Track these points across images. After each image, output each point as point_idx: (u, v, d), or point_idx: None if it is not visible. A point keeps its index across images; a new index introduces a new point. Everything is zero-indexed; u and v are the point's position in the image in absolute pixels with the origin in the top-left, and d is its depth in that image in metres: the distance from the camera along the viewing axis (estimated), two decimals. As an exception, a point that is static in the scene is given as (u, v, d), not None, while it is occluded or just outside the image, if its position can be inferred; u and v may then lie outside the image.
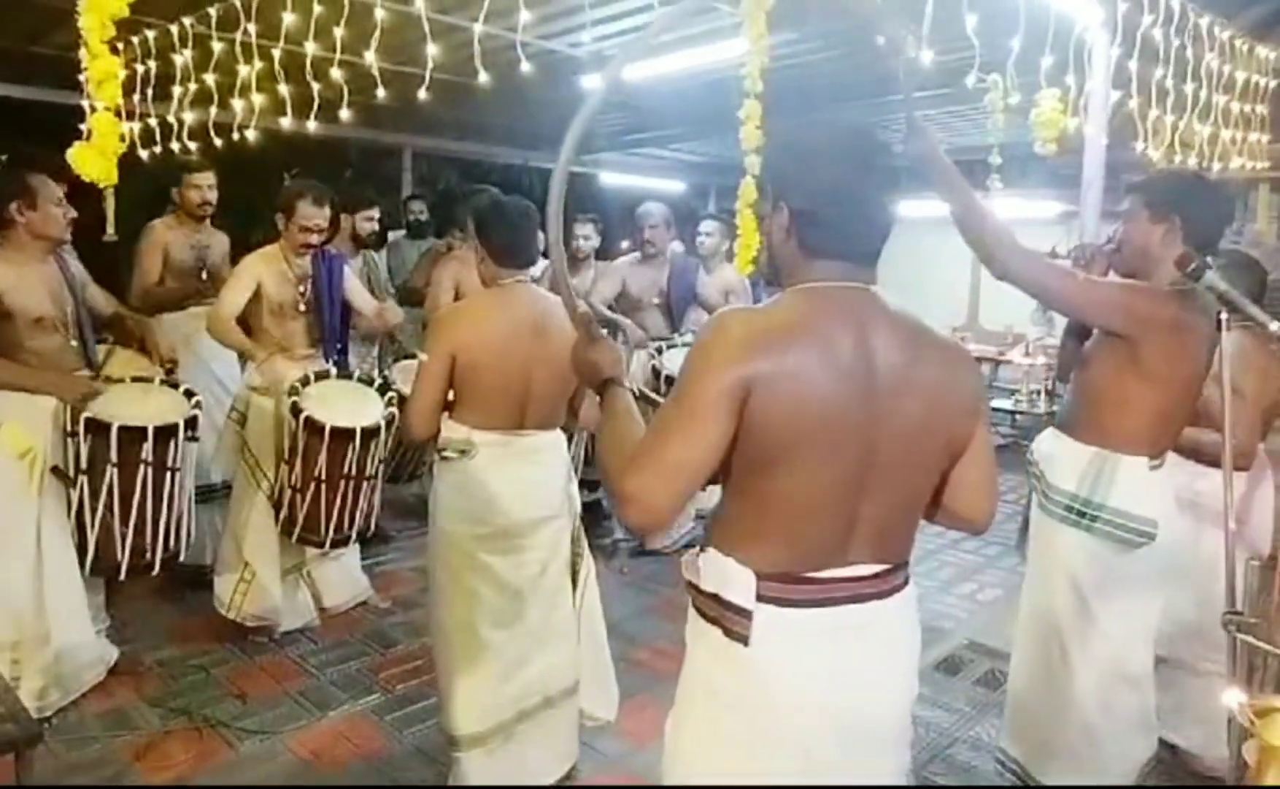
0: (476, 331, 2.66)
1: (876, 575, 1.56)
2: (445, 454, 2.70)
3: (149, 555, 3.32)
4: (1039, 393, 7.90)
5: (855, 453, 1.47)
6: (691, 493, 1.46)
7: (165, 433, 3.28)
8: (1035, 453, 2.72)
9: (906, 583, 1.62)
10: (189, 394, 3.50)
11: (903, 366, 1.48)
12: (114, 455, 3.19)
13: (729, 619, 1.52)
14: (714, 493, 1.59)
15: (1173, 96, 3.48)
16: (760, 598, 1.49)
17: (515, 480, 2.70)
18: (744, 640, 1.50)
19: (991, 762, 2.98)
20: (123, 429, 3.18)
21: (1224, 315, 1.94)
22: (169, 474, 3.32)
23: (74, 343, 3.37)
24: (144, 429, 3.22)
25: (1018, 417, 8.36)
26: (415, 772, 3.08)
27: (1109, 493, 2.46)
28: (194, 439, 3.44)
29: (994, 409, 8.81)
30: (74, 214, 3.40)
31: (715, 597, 1.54)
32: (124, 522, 3.24)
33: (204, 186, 4.39)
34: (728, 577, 1.52)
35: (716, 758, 1.57)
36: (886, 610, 1.58)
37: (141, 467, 3.24)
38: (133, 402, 3.34)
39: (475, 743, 2.74)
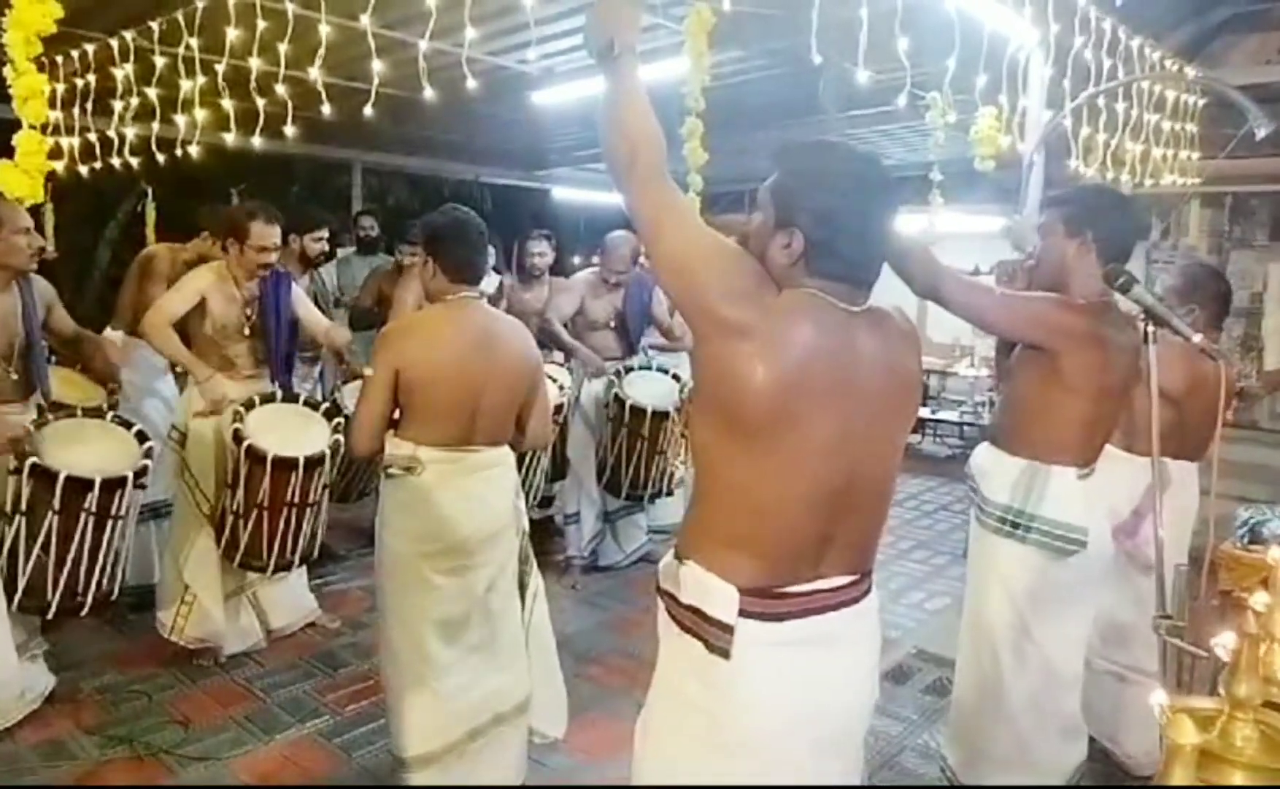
0: (423, 347, 2.64)
1: (847, 585, 1.61)
2: (390, 471, 2.67)
3: (80, 597, 3.20)
4: (985, 405, 8.06)
5: (836, 460, 1.52)
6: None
7: (112, 484, 3.17)
8: (971, 466, 2.78)
9: (870, 590, 1.67)
10: (141, 436, 3.39)
11: (884, 375, 1.55)
12: (57, 503, 3.06)
13: (710, 633, 1.54)
14: (667, 505, 1.61)
15: (1105, 115, 3.59)
16: (741, 613, 1.52)
17: (463, 497, 2.69)
18: (725, 654, 1.52)
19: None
20: (69, 479, 3.07)
21: (1150, 328, 2.01)
22: (112, 521, 3.21)
23: (14, 376, 3.30)
24: (91, 481, 3.11)
25: (965, 428, 8.52)
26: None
27: (1040, 504, 2.52)
28: (142, 487, 3.33)
29: (941, 421, 8.98)
30: (41, 243, 3.32)
31: (695, 610, 1.56)
32: (59, 565, 3.11)
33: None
34: (709, 591, 1.54)
35: (690, 762, 1.60)
36: (854, 617, 1.62)
37: (83, 515, 3.12)
38: (81, 441, 3.24)
39: (426, 762, 2.71)
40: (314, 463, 3.56)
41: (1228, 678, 1.14)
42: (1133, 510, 3.01)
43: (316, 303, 4.76)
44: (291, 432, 3.62)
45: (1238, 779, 1.11)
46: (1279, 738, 1.18)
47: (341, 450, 3.75)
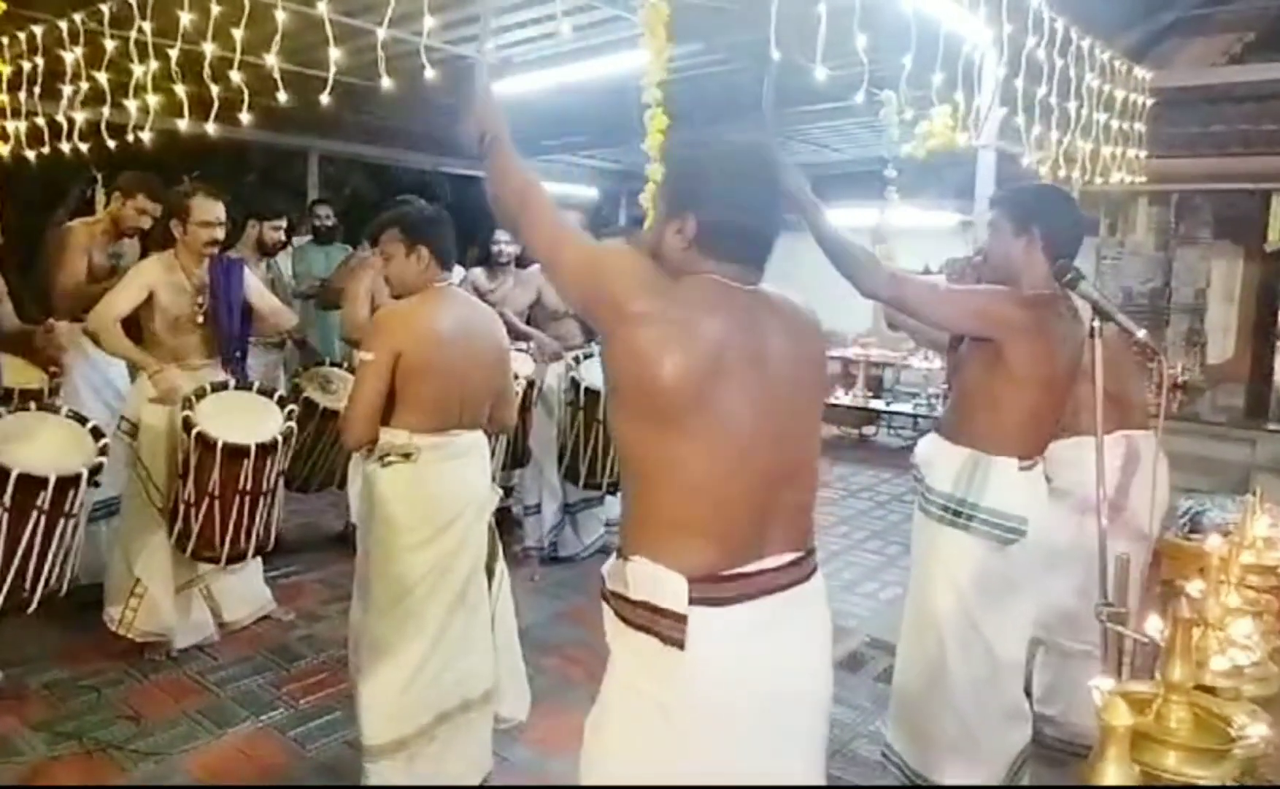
0: (423, 332, 2.68)
1: (792, 564, 1.63)
2: (389, 460, 2.67)
3: (28, 593, 3.11)
4: (939, 397, 8.19)
5: (759, 433, 1.56)
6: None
7: (66, 482, 3.10)
8: (916, 456, 2.84)
9: (816, 569, 1.70)
10: (96, 433, 3.32)
11: (791, 348, 1.62)
12: (8, 500, 2.99)
13: (663, 625, 1.54)
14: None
15: (1056, 114, 3.65)
16: (692, 601, 1.53)
17: (454, 480, 2.74)
18: (680, 645, 1.53)
19: (891, 756, 3.08)
20: (22, 476, 2.99)
21: (1096, 322, 2.06)
22: (64, 518, 3.14)
23: None
24: (45, 479, 3.04)
25: (919, 420, 8.66)
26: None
27: (982, 493, 2.58)
28: (96, 485, 3.26)
29: (895, 412, 9.11)
30: None
31: (646, 604, 1.56)
32: (7, 561, 3.03)
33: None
34: (659, 582, 1.55)
35: (645, 760, 1.60)
36: (804, 596, 1.65)
37: (35, 512, 3.05)
38: (35, 435, 3.17)
39: (398, 748, 2.71)
40: (266, 450, 3.52)
41: (1163, 662, 1.19)
42: (1115, 487, 3.07)
43: (274, 290, 4.72)
44: (244, 419, 3.58)
45: (1171, 760, 1.16)
46: (1211, 719, 1.22)
47: (294, 437, 3.73)
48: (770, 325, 1.61)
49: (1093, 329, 2.05)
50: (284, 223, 5.23)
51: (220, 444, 3.42)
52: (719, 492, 1.54)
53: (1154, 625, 1.32)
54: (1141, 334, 2.08)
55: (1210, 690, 1.32)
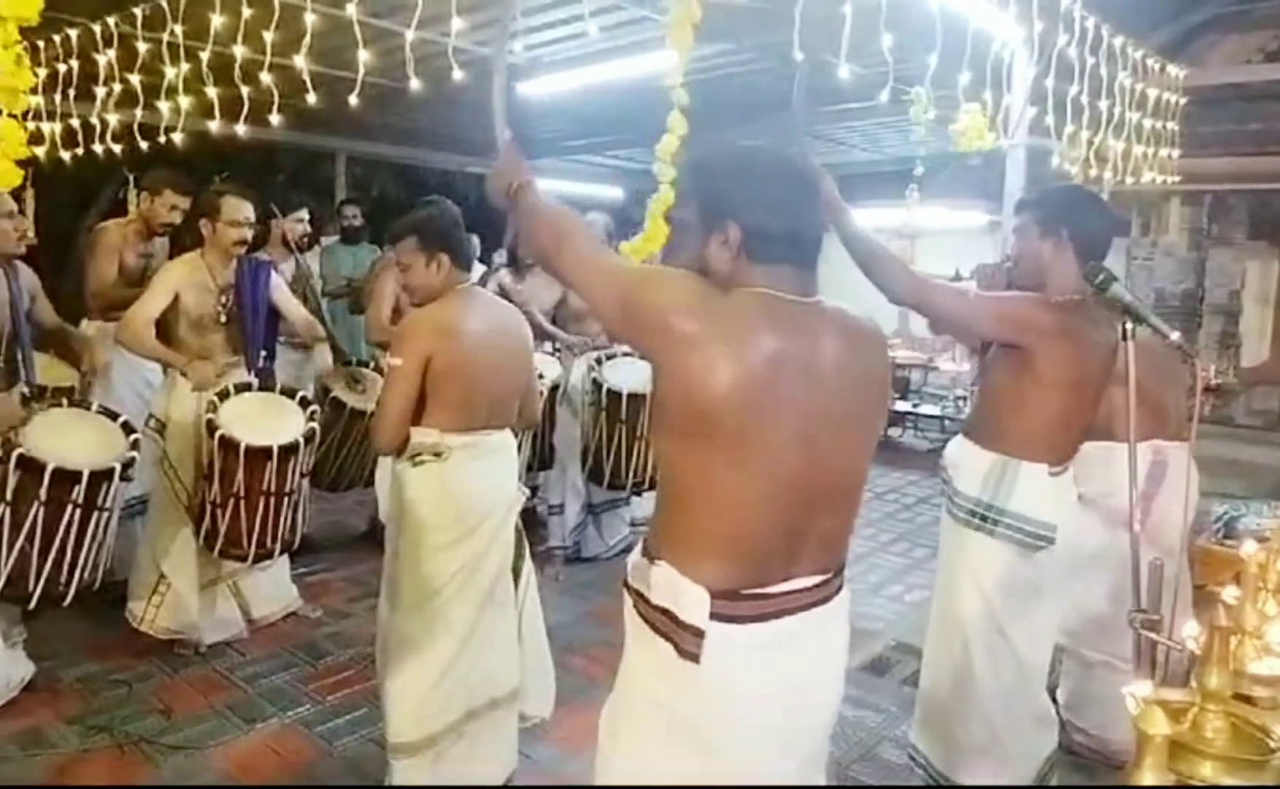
0: (451, 334, 2.68)
1: (819, 585, 1.60)
2: (420, 459, 2.69)
3: (63, 587, 3.17)
4: (966, 399, 8.12)
5: (802, 458, 1.51)
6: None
7: (99, 476, 3.15)
8: (945, 458, 2.82)
9: (841, 587, 1.67)
10: (127, 427, 3.37)
11: (849, 365, 1.56)
12: (43, 494, 3.03)
13: (681, 636, 1.53)
14: (651, 498, 1.65)
15: (1088, 113, 3.62)
16: (712, 616, 1.51)
17: (483, 480, 2.75)
18: (695, 659, 1.51)
19: (917, 759, 3.05)
20: (57, 470, 3.04)
21: (1129, 325, 2.03)
22: (98, 512, 3.19)
23: (0, 364, 3.28)
24: (79, 473, 3.09)
25: (946, 422, 8.59)
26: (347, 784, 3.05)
27: (1010, 498, 2.55)
28: (129, 479, 3.31)
29: (922, 415, 9.04)
30: (26, 226, 3.30)
31: (666, 612, 1.55)
32: (43, 555, 3.08)
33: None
34: (681, 594, 1.53)
35: (659, 761, 1.59)
36: (825, 616, 1.62)
37: (70, 506, 3.10)
38: (67, 432, 3.22)
39: (426, 745, 2.72)
40: (288, 451, 3.55)
41: (1199, 670, 1.17)
42: (1139, 496, 3.02)
43: (305, 293, 4.76)
44: (267, 420, 3.61)
45: (1207, 770, 1.14)
46: (1249, 729, 1.20)
47: (317, 438, 3.75)
48: (826, 342, 1.55)
49: (1124, 331, 2.02)
50: (304, 214, 5.28)
51: (243, 447, 3.45)
52: (751, 512, 1.52)
53: (1189, 632, 1.29)
54: (1175, 336, 2.04)
55: (1248, 700, 1.29)
